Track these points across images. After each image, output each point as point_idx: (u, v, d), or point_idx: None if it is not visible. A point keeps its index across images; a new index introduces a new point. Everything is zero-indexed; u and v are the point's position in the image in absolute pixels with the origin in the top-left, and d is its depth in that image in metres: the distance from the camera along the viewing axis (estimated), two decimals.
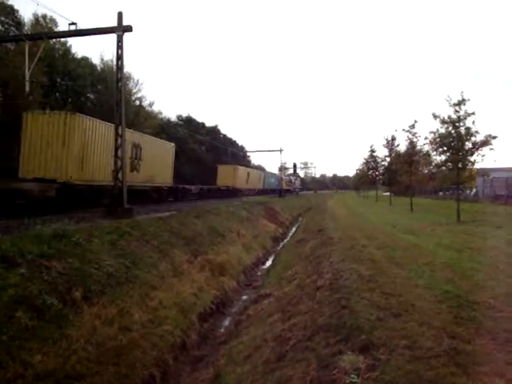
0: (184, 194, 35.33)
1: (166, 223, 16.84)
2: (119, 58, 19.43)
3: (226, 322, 11.90)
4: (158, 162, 28.49)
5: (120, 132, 19.05)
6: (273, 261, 20.61)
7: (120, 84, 19.58)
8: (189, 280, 13.11)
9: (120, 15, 18.74)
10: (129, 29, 18.97)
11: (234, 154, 71.23)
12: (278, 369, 6.04)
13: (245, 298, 14.15)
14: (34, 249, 9.38)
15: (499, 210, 28.81)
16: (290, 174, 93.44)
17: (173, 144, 33.15)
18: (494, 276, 8.93)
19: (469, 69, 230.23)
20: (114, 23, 18.77)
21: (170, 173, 31.94)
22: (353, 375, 4.62)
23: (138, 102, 46.83)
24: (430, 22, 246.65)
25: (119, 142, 19.01)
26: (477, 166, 23.69)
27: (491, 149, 21.92)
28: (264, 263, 20.42)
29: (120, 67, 19.75)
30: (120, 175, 18.89)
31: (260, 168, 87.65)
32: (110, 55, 41.93)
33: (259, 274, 18.05)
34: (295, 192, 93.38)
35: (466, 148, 22.33)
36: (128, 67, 41.36)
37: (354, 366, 4.80)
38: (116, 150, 19.13)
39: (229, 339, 9.79)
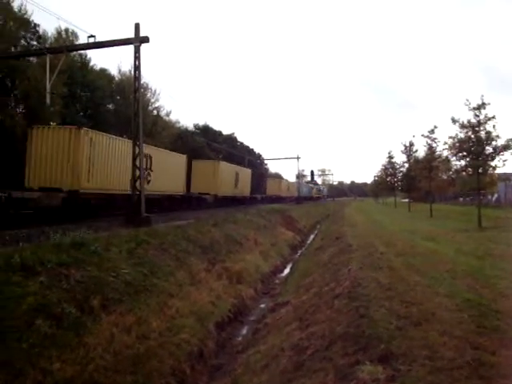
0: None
1: (183, 231, 16.89)
2: (136, 68, 19.69)
3: (244, 331, 11.84)
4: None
5: (138, 142, 19.23)
6: (291, 269, 20.50)
7: (137, 94, 19.81)
8: (206, 288, 13.09)
9: (137, 26, 19.00)
10: (146, 40, 19.23)
11: (251, 161, 71.28)
12: (296, 379, 5.95)
13: (262, 306, 14.07)
14: (52, 257, 9.47)
15: None
16: (308, 182, 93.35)
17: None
18: None
19: (486, 70, 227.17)
20: (130, 34, 19.05)
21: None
22: None
23: (155, 112, 47.21)
24: (449, 25, 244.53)
25: (137, 151, 19.19)
26: (498, 170, 23.35)
27: None
28: (282, 271, 20.32)
29: (137, 77, 20.02)
30: (138, 184, 19.06)
31: (278, 176, 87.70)
32: (128, 66, 42.51)
33: (277, 281, 17.96)
34: (323, 199, 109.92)
35: (487, 153, 22.02)
36: (145, 77, 41.92)
37: (372, 376, 4.69)
38: (134, 159, 19.31)
39: (246, 348, 9.72)
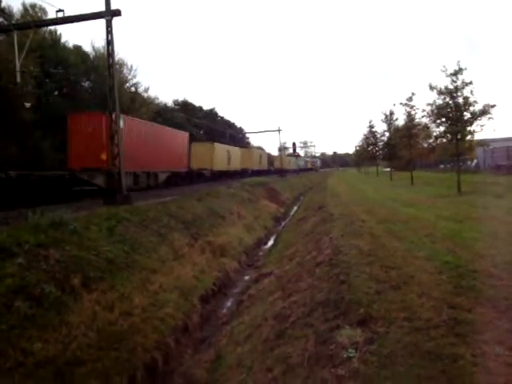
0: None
1: (165, 208, 16.77)
2: (109, 43, 19.10)
3: (228, 303, 11.91)
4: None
5: (114, 118, 18.87)
6: (274, 240, 20.61)
7: (112, 70, 19.32)
8: (189, 263, 13.09)
9: (107, 0, 18.37)
10: (117, 13, 18.60)
11: (232, 135, 70.83)
12: (278, 347, 6.01)
13: (246, 278, 14.16)
14: (30, 238, 9.33)
15: (500, 180, 28.62)
16: (290, 154, 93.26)
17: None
18: (494, 245, 8.83)
19: (462, 37, 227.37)
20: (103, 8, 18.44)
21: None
22: (350, 349, 4.56)
23: (133, 89, 46.32)
24: None
25: (114, 128, 18.84)
26: (476, 136, 23.49)
27: (490, 118, 21.65)
28: (265, 243, 20.41)
29: (111, 53, 19.47)
30: (117, 162, 18.78)
31: (261, 149, 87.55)
32: (102, 42, 41.38)
33: (261, 253, 18.05)
34: (316, 169, 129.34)
35: (465, 118, 22.07)
36: (122, 53, 40.91)
37: (351, 340, 4.74)
38: (112, 136, 18.98)
39: (230, 320, 9.80)
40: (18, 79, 20.01)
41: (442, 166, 57.57)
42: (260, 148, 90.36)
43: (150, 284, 10.48)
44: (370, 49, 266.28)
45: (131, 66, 44.78)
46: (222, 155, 44.52)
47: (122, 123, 20.71)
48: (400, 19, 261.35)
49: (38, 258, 8.82)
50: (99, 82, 36.58)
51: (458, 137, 22.67)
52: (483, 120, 21.76)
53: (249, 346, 7.03)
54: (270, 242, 20.44)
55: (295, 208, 34.37)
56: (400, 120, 40.15)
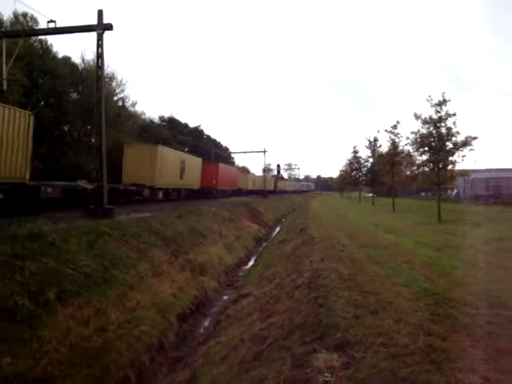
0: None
1: (146, 223, 16.65)
2: (99, 56, 19.19)
3: (206, 323, 11.78)
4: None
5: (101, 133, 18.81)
6: (254, 261, 20.54)
7: (100, 83, 19.33)
8: (168, 280, 12.95)
9: (100, 13, 18.48)
10: (109, 27, 18.73)
11: (217, 154, 70.93)
12: (254, 368, 5.94)
13: (225, 297, 14.04)
14: (7, 249, 9.17)
15: (479, 209, 29.12)
16: (274, 176, 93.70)
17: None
18: (471, 273, 8.97)
19: (446, 72, 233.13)
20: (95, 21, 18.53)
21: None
22: (326, 374, 4.53)
23: (120, 103, 46.19)
24: (411, 25, 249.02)
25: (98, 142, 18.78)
26: (457, 166, 23.96)
27: (471, 149, 22.19)
28: (246, 263, 20.33)
29: (100, 66, 19.52)
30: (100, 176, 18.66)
31: (245, 169, 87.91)
32: (92, 54, 41.37)
33: (240, 274, 17.95)
34: (311, 191, 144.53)
35: (447, 148, 22.55)
36: (111, 67, 40.85)
37: (327, 364, 4.72)
38: (97, 150, 18.90)
39: (207, 340, 9.67)
40: (5, 87, 19.87)
41: (423, 193, 58.35)
42: (245, 168, 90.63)
43: (128, 300, 10.34)
44: (358, 77, 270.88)
45: (120, 80, 44.72)
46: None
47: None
48: (387, 49, 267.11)
49: (13, 269, 8.67)
50: (87, 94, 36.46)
51: (440, 166, 23.10)
52: (465, 151, 22.30)
53: (225, 367, 6.93)
54: (251, 263, 20.37)
55: (277, 229, 34.38)
56: (384, 147, 40.78)
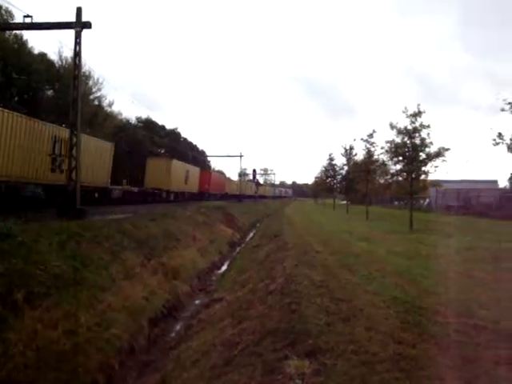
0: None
1: (120, 225, 16.44)
2: (77, 54, 18.92)
3: (177, 327, 11.67)
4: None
5: (76, 132, 18.54)
6: (228, 265, 20.48)
7: (77, 82, 19.08)
8: (140, 283, 12.81)
9: (79, 10, 18.23)
10: (88, 25, 18.48)
11: (194, 158, 70.64)
12: (224, 374, 5.92)
13: (197, 302, 13.96)
14: None
15: (450, 219, 29.75)
16: (250, 180, 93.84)
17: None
18: (441, 283, 9.16)
19: (422, 85, 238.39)
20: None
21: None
22: (297, 380, 4.56)
23: (96, 102, 45.66)
24: (385, 36, 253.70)
25: (74, 141, 18.50)
26: (430, 176, 24.48)
27: (444, 160, 22.72)
28: (219, 268, 20.25)
29: (78, 64, 19.28)
30: (74, 175, 18.38)
31: (221, 173, 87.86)
32: (69, 52, 40.75)
33: (214, 278, 17.88)
34: (288, 197, 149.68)
35: (420, 158, 23.03)
36: (88, 65, 40.10)
37: (299, 371, 4.74)
38: (71, 149, 18.61)
39: (178, 344, 9.59)
40: None
41: (396, 202, 59.23)
42: (221, 172, 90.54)
43: (98, 303, 10.17)
44: (333, 84, 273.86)
45: (97, 79, 44.23)
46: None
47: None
48: (366, 61, 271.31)
49: None
50: (63, 91, 35.89)
51: (413, 176, 23.56)
52: (437, 161, 22.82)
53: (195, 372, 6.89)
54: (224, 267, 20.30)
55: (251, 234, 34.38)
56: (359, 155, 41.28)
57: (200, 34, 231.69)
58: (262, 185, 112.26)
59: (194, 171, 49.10)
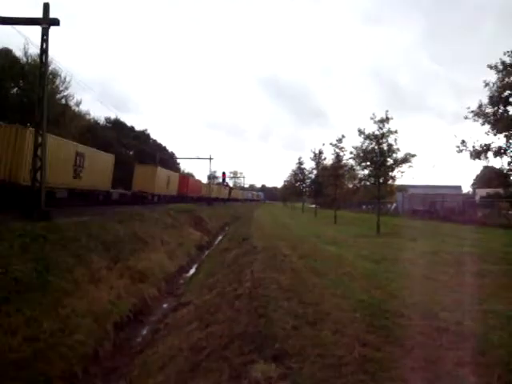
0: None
1: (86, 227, 16.13)
2: (43, 52, 18.46)
3: (144, 331, 11.49)
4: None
5: (41, 131, 18.10)
6: (196, 269, 20.34)
7: (43, 80, 18.62)
8: (106, 287, 12.58)
9: (46, 7, 17.76)
10: (56, 22, 18.03)
11: (163, 160, 69.98)
12: (191, 379, 5.87)
13: (165, 306, 13.78)
14: None
15: (416, 224, 30.40)
16: (220, 183, 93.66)
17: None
18: (406, 286, 9.34)
19: (391, 92, 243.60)
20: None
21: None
22: None
23: (63, 101, 44.57)
24: (352, 42, 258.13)
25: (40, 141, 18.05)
26: (397, 181, 24.95)
27: (410, 166, 23.21)
28: (187, 271, 20.09)
29: (44, 62, 18.82)
30: (38, 175, 17.91)
31: (191, 175, 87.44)
32: (35, 49, 39.70)
33: (182, 281, 17.72)
34: (261, 201, 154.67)
35: (388, 164, 23.43)
36: (55, 63, 39.18)
37: (265, 375, 4.74)
38: (36, 149, 18.14)
39: (144, 349, 9.44)
40: None
41: (364, 206, 60.07)
42: (190, 175, 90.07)
43: (62, 307, 9.92)
44: (303, 90, 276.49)
45: (64, 78, 43.17)
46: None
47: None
48: (336, 68, 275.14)
49: None
50: (28, 89, 34.92)
51: (381, 181, 23.95)
52: (404, 167, 23.28)
53: (161, 378, 6.81)
54: (192, 271, 20.16)
55: (220, 237, 34.28)
56: (328, 159, 41.74)
57: (170, 35, 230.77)
58: (233, 188, 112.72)
59: (174, 176, 53.89)
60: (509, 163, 11.80)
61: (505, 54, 11.48)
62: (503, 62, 11.57)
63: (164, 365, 7.40)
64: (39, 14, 17.85)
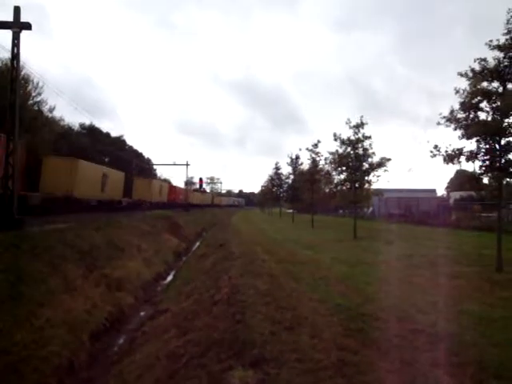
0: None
1: (61, 235, 15.85)
2: (15, 57, 18.17)
3: (120, 340, 11.31)
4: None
5: (13, 138, 17.75)
6: (174, 276, 20.16)
7: (15, 85, 18.30)
8: (82, 296, 12.35)
9: (17, 10, 17.50)
10: (27, 26, 17.79)
11: (139, 166, 69.41)
12: None
13: (142, 314, 13.61)
14: None
15: (392, 227, 30.80)
16: (196, 189, 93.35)
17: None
18: (382, 289, 9.45)
19: (365, 98, 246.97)
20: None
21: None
22: None
23: (36, 107, 43.79)
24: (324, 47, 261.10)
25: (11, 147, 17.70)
26: (373, 186, 25.22)
27: (385, 170, 23.53)
28: (165, 278, 19.89)
29: (16, 67, 18.51)
30: (10, 183, 17.56)
31: (167, 181, 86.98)
32: (6, 53, 38.93)
33: (159, 289, 17.53)
34: (241, 206, 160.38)
35: (363, 168, 23.70)
36: (27, 68, 38.35)
37: (243, 381, 4.74)
38: (7, 156, 17.80)
39: (121, 358, 9.29)
40: None
41: (341, 211, 60.60)
42: (167, 180, 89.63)
43: (36, 318, 9.70)
44: (279, 94, 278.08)
45: (37, 83, 42.46)
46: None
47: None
48: (311, 73, 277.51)
49: None
50: None
51: (357, 185, 24.20)
52: (379, 171, 23.58)
53: None
54: (170, 278, 19.97)
55: (197, 244, 34.08)
56: (305, 164, 41.97)
57: (142, 39, 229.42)
58: (204, 192, 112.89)
59: (165, 186, 64.64)
60: (480, 167, 12.04)
61: (475, 61, 11.73)
62: (473, 70, 11.83)
63: (141, 374, 7.31)
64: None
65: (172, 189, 69.32)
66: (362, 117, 23.86)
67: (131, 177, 53.40)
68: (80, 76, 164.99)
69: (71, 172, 31.00)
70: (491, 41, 11.52)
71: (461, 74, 12.09)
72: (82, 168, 32.50)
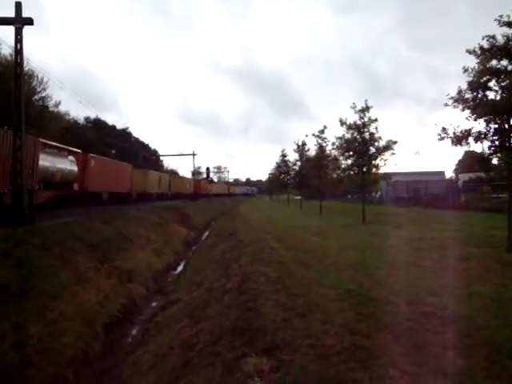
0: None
1: (70, 229, 15.95)
2: (18, 52, 18.13)
3: (134, 331, 11.44)
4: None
5: (20, 134, 17.79)
6: (184, 266, 20.28)
7: (19, 81, 18.30)
8: (94, 288, 12.47)
9: (18, 6, 17.42)
10: (29, 22, 17.71)
11: (146, 157, 69.56)
12: (183, 376, 5.86)
13: (154, 304, 13.73)
14: None
15: (400, 211, 30.70)
16: (204, 179, 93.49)
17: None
18: (392, 273, 9.44)
19: (371, 81, 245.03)
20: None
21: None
22: (256, 378, 4.57)
23: (41, 102, 43.86)
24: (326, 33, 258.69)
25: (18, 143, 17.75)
26: (380, 170, 25.10)
27: (393, 153, 23.40)
28: (175, 268, 20.02)
29: (19, 63, 18.49)
30: (19, 179, 17.63)
31: (174, 172, 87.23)
32: (9, 49, 38.81)
33: (170, 279, 17.66)
34: (253, 195, 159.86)
35: (370, 152, 23.58)
36: (31, 63, 38.29)
37: (257, 368, 4.75)
38: (15, 152, 17.85)
39: (135, 349, 9.39)
40: None
41: (349, 196, 60.46)
42: (174, 171, 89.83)
43: (49, 311, 9.80)
44: (283, 81, 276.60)
45: (42, 78, 42.50)
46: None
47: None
48: (317, 58, 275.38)
49: None
50: (4, 91, 34.23)
51: (364, 170, 24.10)
52: (386, 155, 23.44)
53: (153, 377, 6.79)
54: (180, 268, 20.09)
55: (206, 233, 34.21)
56: (312, 151, 41.81)
57: (139, 28, 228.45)
58: (212, 182, 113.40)
59: (190, 180, 73.03)
60: (489, 147, 11.91)
61: (483, 38, 11.50)
62: (481, 47, 11.62)
63: (155, 363, 7.39)
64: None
65: (197, 182, 76.97)
66: (366, 100, 23.73)
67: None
68: (79, 68, 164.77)
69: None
70: (501, 16, 11.25)
71: (469, 52, 11.87)
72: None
